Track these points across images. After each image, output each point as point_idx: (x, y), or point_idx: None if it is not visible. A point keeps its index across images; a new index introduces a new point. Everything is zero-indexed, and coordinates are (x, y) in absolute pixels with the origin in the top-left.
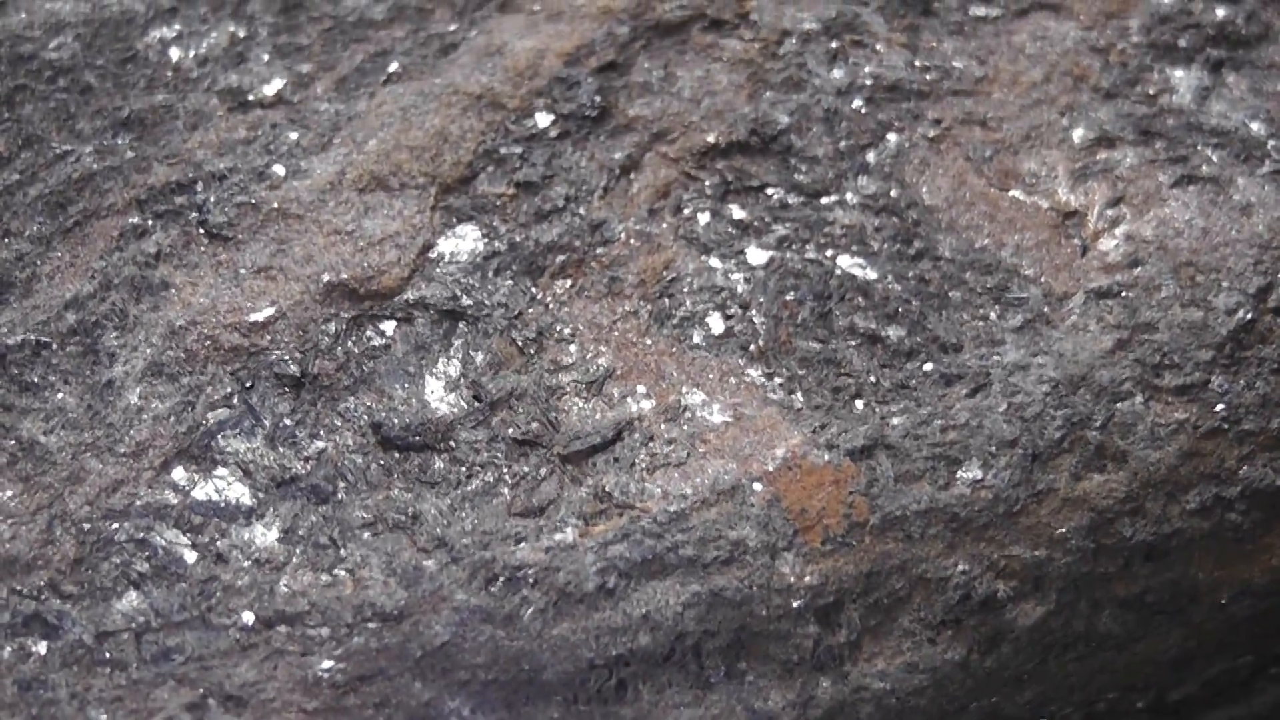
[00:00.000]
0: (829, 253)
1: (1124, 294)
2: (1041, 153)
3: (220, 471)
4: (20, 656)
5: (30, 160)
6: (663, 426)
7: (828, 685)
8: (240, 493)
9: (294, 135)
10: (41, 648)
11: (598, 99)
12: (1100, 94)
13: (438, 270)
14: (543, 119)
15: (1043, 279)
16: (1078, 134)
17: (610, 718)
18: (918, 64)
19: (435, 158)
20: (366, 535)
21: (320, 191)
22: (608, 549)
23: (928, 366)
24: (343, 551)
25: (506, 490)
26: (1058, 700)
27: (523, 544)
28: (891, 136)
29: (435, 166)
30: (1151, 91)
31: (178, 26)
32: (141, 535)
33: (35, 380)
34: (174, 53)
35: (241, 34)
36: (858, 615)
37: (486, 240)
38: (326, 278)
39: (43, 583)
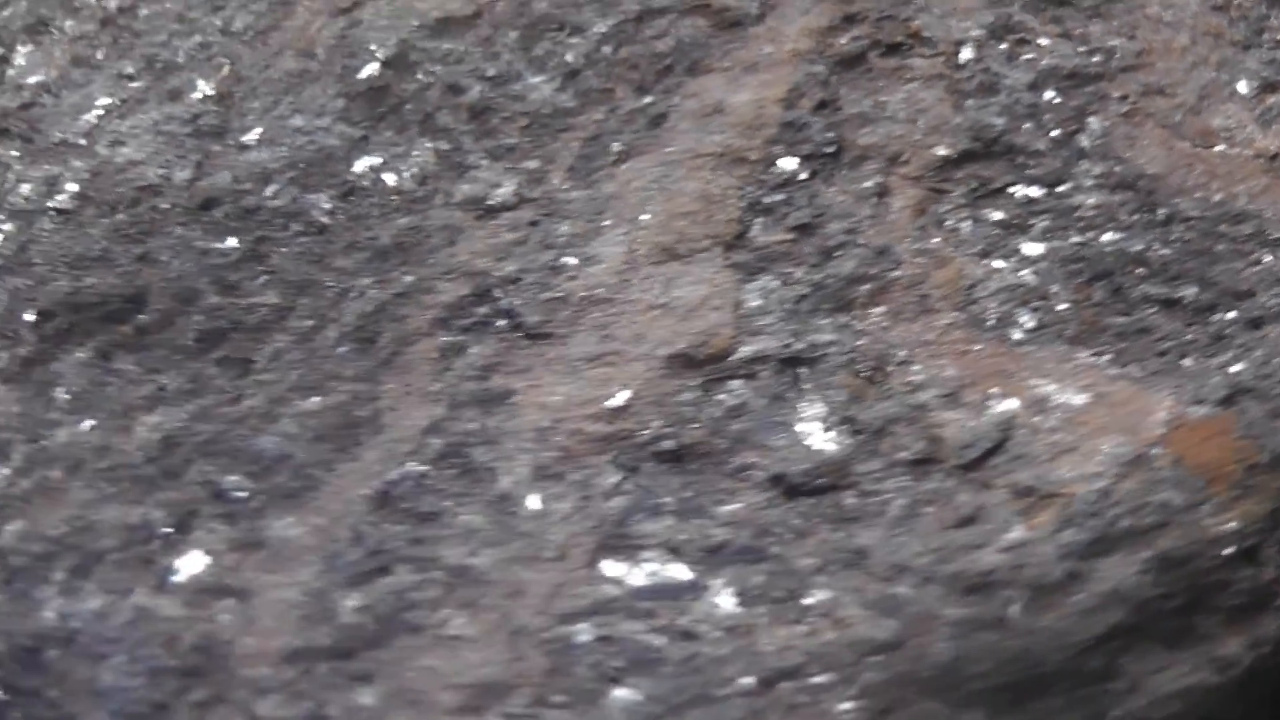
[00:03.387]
0: (1090, 234)
1: None
2: (1221, 108)
3: (647, 555)
4: None
5: (313, 305)
6: (1036, 419)
7: (1269, 622)
8: (677, 570)
9: (564, 227)
10: None
11: (829, 135)
12: (1239, 46)
13: (758, 323)
14: (788, 163)
15: None
16: (1242, 86)
17: (1105, 695)
18: (1081, 49)
19: (708, 219)
20: (821, 579)
21: (619, 273)
22: (1059, 536)
23: (1231, 315)
24: (805, 600)
25: (929, 508)
26: None
27: (979, 550)
28: (1091, 120)
29: (711, 228)
30: (1278, 37)
31: (379, 155)
32: (603, 633)
33: (430, 509)
34: (389, 178)
35: (445, 147)
36: (1274, 551)
37: (788, 286)
38: (663, 351)
39: (529, 700)
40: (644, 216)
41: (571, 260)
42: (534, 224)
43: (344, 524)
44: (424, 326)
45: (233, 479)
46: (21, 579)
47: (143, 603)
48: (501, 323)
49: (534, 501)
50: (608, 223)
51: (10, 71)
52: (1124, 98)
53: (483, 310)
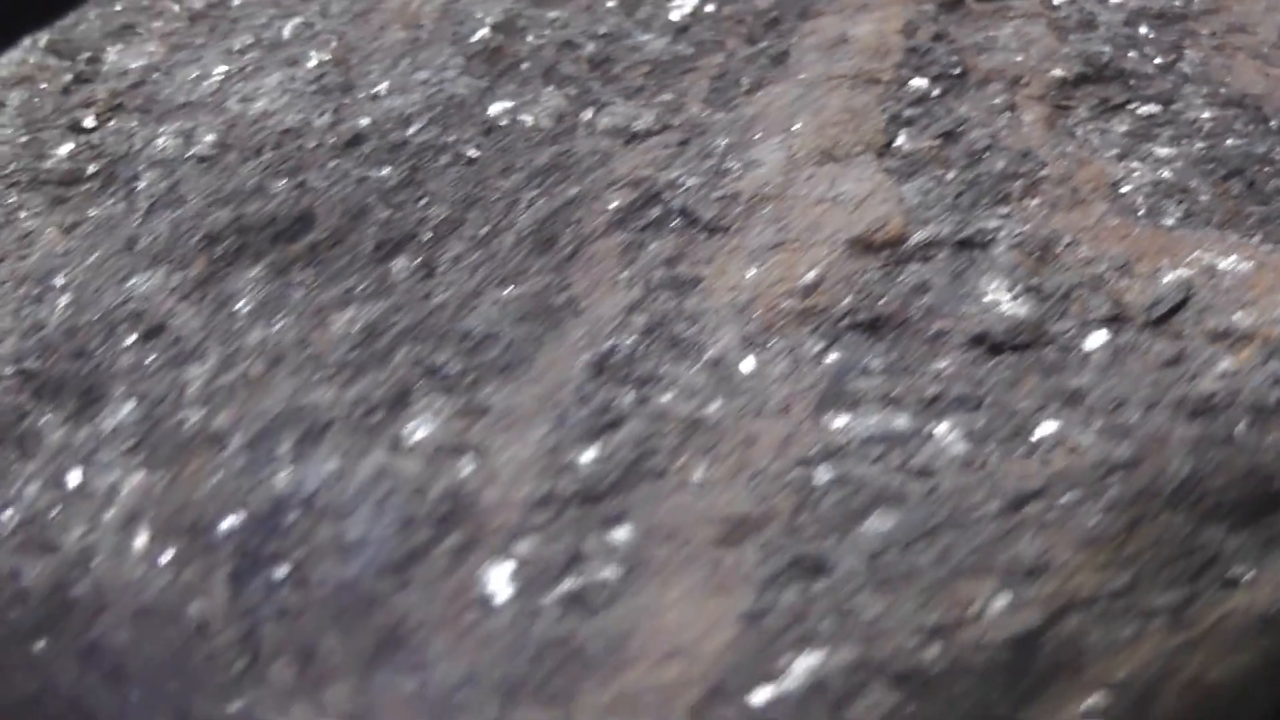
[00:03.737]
0: (1213, 140)
1: None
2: None
3: (867, 407)
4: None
5: (483, 215)
6: (1211, 282)
7: None
8: (899, 419)
9: (718, 141)
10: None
11: (953, 59)
12: None
13: (924, 215)
14: (919, 83)
15: None
16: None
17: None
18: None
19: (857, 128)
20: (1045, 416)
21: (783, 173)
22: (1267, 366)
23: None
24: (1033, 436)
25: (1132, 355)
26: None
27: (1194, 380)
28: (1188, 51)
29: (860, 135)
30: None
31: (509, 100)
32: (841, 474)
33: (647, 373)
34: (526, 118)
35: (573, 92)
36: None
37: (943, 185)
38: (841, 237)
39: (783, 531)
40: (795, 126)
41: (733, 165)
42: (684, 143)
43: (566, 390)
44: (600, 228)
45: (443, 358)
46: (246, 454)
47: (381, 461)
48: (675, 221)
49: (748, 365)
50: (759, 135)
51: (105, 66)
52: (1212, 34)
53: (655, 212)
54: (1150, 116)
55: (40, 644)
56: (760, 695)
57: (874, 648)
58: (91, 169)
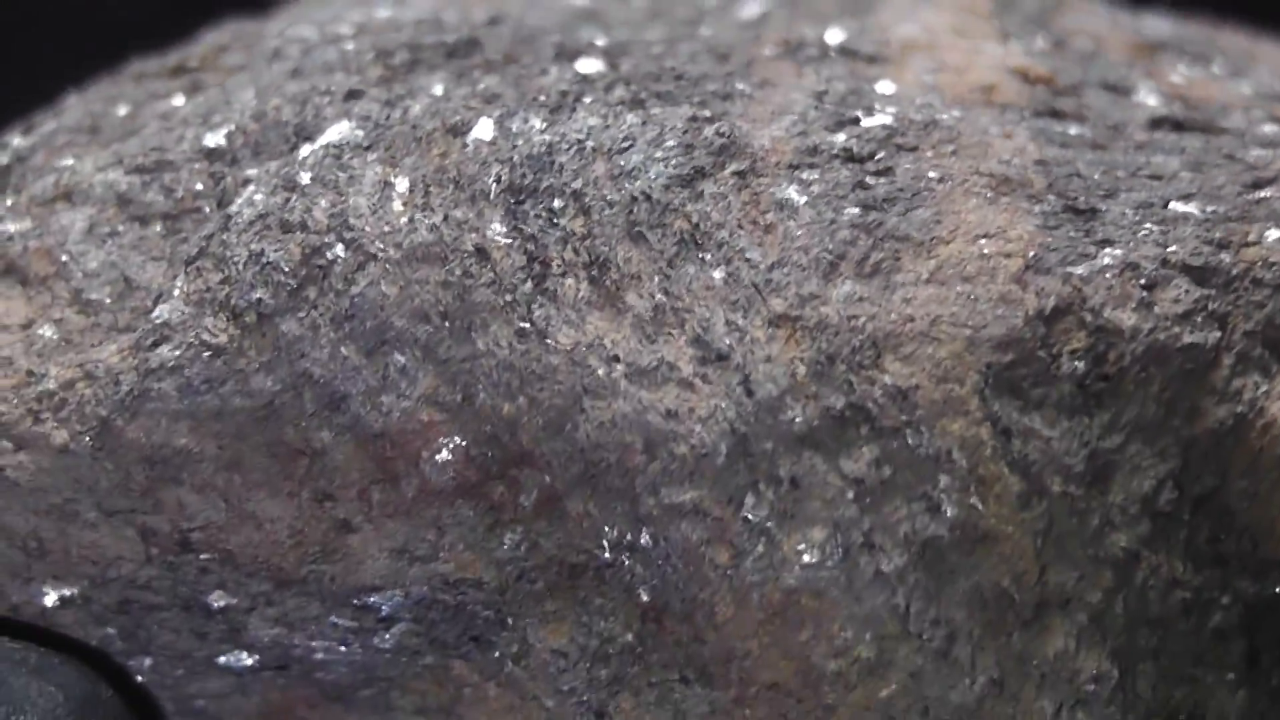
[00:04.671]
0: None
1: None
2: None
3: (1077, 150)
4: None
5: (665, 32)
6: None
7: None
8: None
9: (857, 20)
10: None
11: None
12: None
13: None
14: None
15: None
16: None
17: None
18: None
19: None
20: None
21: (926, 32)
22: None
23: None
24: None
25: None
26: None
27: None
28: None
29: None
30: None
31: None
32: (1076, 168)
33: (868, 105)
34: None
35: None
36: None
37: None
38: (1001, 67)
39: (1047, 192)
40: (924, 14)
41: (874, 30)
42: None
43: (797, 106)
44: (765, 55)
45: (667, 87)
46: (504, 118)
47: (643, 116)
48: (836, 55)
49: (954, 114)
50: (887, 16)
51: None
52: None
53: (812, 50)
54: None
55: (289, 322)
56: (1079, 267)
57: (1170, 250)
58: None
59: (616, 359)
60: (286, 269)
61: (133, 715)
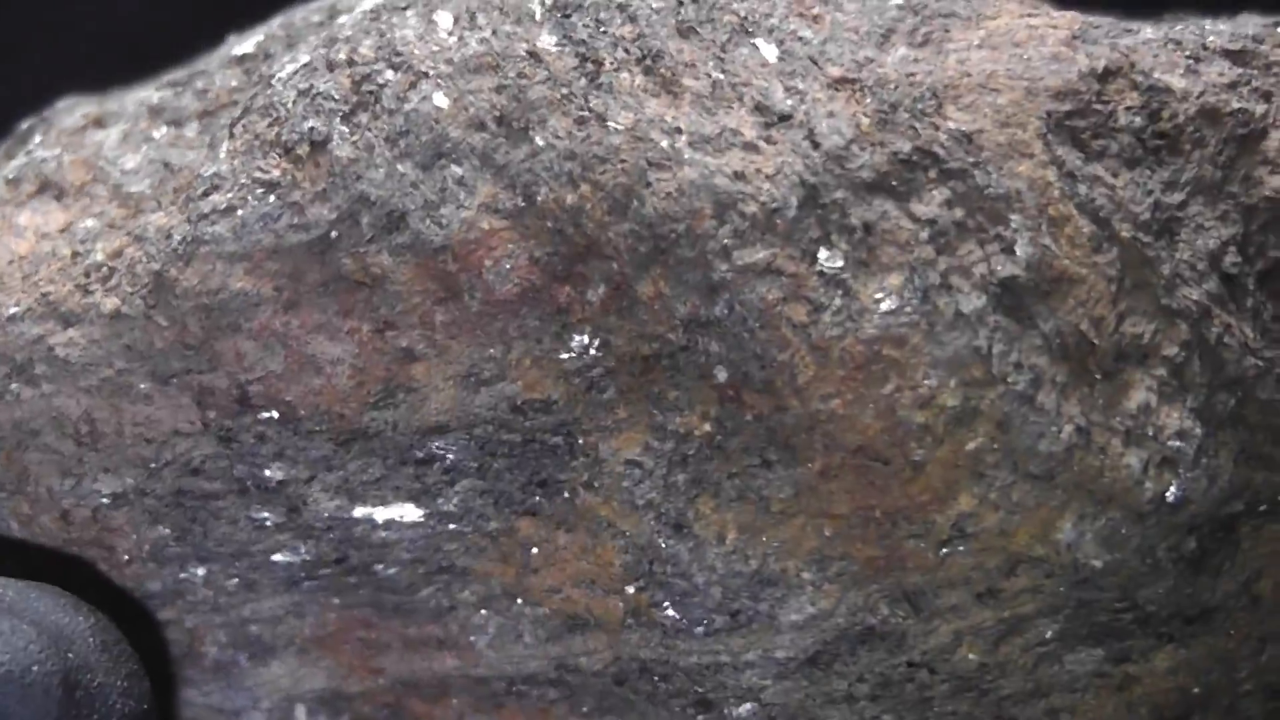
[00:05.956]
0: None
1: None
2: None
3: None
4: None
5: None
6: None
7: None
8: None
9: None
10: None
11: None
12: None
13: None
14: None
15: None
16: None
17: None
18: None
19: None
20: None
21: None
22: None
23: None
24: None
25: None
26: None
27: None
28: None
29: None
30: None
31: None
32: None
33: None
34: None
35: None
36: None
37: None
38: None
39: None
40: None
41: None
42: None
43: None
44: None
45: None
46: None
47: None
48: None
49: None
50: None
51: None
52: None
53: None
54: None
55: (343, 147)
56: (1124, 39)
57: (1209, 39)
58: None
59: (679, 130)
60: (337, 96)
61: (119, 633)
